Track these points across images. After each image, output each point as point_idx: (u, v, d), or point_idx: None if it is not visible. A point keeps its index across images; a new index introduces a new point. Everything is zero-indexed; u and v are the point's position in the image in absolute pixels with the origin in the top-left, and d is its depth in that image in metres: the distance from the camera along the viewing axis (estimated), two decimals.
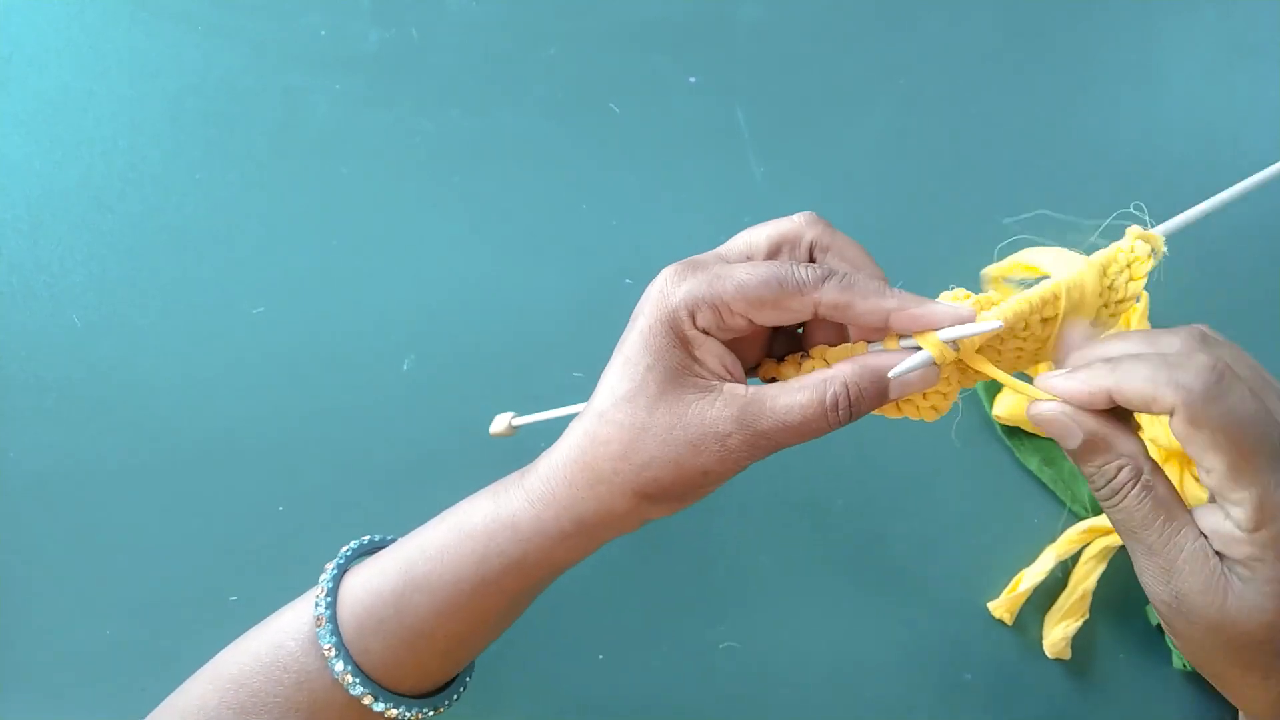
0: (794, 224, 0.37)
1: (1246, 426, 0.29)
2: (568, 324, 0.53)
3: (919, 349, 0.35)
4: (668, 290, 0.34)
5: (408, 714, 0.38)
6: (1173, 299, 0.54)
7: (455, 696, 0.41)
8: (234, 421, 0.51)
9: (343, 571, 0.39)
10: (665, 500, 0.35)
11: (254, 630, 0.39)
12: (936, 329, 0.34)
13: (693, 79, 0.56)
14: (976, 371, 0.36)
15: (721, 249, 0.37)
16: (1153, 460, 0.33)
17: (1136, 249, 0.36)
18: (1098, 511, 0.52)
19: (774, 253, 0.37)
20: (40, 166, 0.53)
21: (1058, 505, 0.53)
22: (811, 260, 0.37)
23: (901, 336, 0.35)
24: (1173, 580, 0.31)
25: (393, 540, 0.42)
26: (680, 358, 0.34)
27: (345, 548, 0.41)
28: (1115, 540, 0.50)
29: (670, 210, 0.55)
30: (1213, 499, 0.32)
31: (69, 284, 0.52)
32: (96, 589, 0.50)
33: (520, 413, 0.45)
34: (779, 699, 0.51)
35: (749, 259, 0.36)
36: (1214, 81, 0.58)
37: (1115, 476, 0.32)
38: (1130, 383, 0.31)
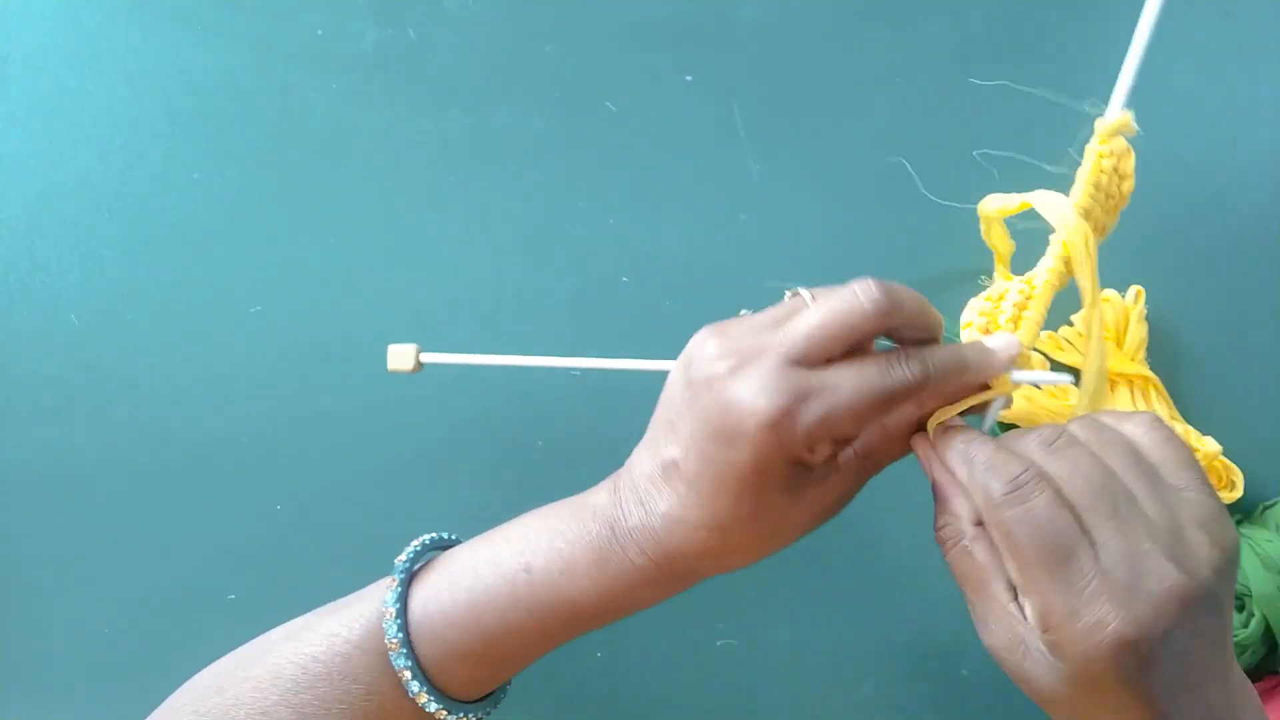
0: (864, 315, 0.34)
1: (1031, 538, 0.30)
2: (565, 322, 0.54)
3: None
4: (783, 427, 0.32)
5: (472, 717, 0.39)
6: (1174, 299, 0.54)
7: (504, 693, 0.42)
8: (231, 420, 0.51)
9: (406, 588, 0.38)
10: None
11: (307, 631, 0.39)
12: (1002, 372, 0.37)
13: (689, 77, 0.56)
14: None
15: (791, 347, 0.34)
16: (978, 528, 0.34)
17: (1115, 147, 0.37)
18: None
19: (854, 350, 0.35)
20: (37, 166, 0.53)
21: None
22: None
23: None
24: (983, 632, 0.34)
25: (450, 541, 0.42)
26: (798, 474, 0.35)
27: (400, 559, 0.39)
28: None
29: (667, 208, 0.55)
30: None
31: (66, 283, 0.52)
32: (94, 588, 0.50)
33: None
34: (776, 695, 0.52)
35: (828, 360, 0.34)
36: (1214, 79, 0.58)
37: (941, 529, 0.36)
38: (954, 464, 0.34)
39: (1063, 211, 0.37)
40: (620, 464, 0.38)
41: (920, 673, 0.52)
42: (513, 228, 0.54)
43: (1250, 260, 0.56)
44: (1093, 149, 0.37)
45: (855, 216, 0.55)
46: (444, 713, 0.37)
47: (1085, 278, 0.37)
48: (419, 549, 0.41)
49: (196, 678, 0.40)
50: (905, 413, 0.37)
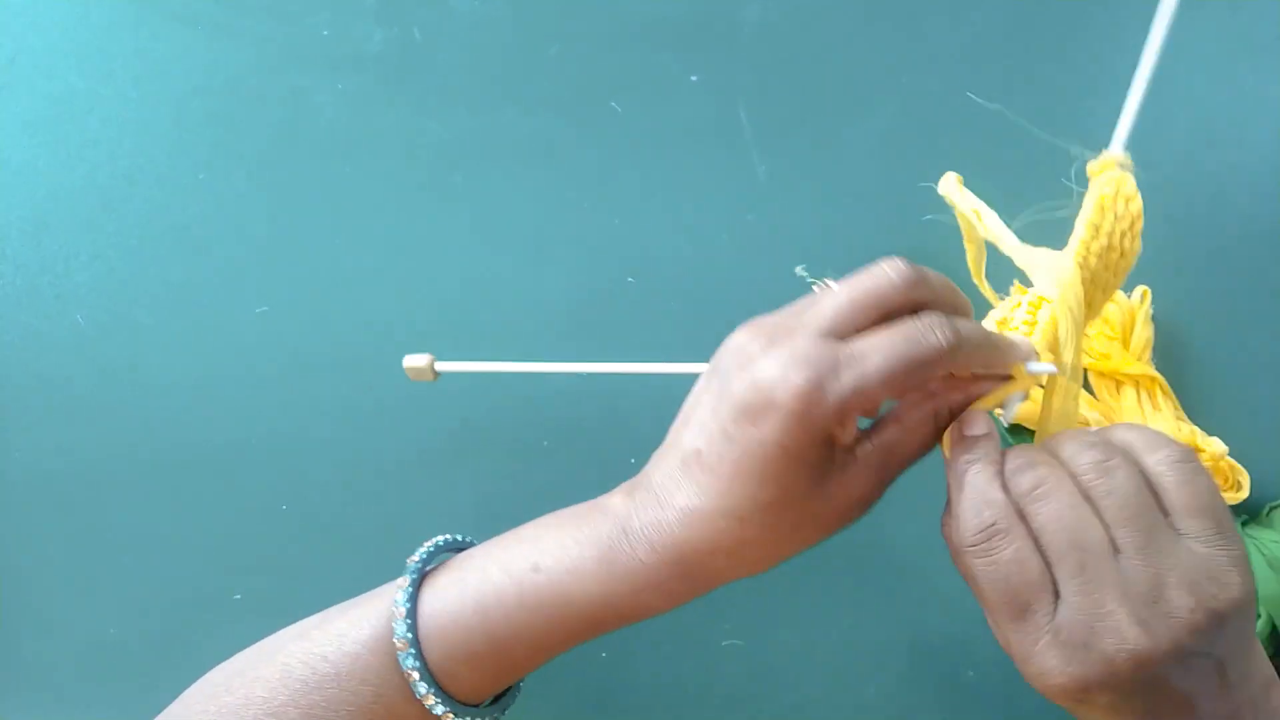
0: (892, 286, 0.34)
1: (992, 587, 0.31)
2: (571, 322, 0.54)
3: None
4: (814, 397, 0.32)
5: None
6: (1180, 298, 0.54)
7: (514, 698, 0.41)
8: (237, 420, 0.52)
9: (417, 588, 0.38)
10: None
11: (318, 630, 0.38)
12: (1025, 357, 0.36)
13: (695, 77, 0.56)
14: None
15: (820, 320, 0.34)
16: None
17: (1122, 188, 0.36)
18: None
19: (882, 321, 0.35)
20: (45, 167, 0.53)
21: None
22: None
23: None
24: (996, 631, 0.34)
25: (463, 543, 0.42)
26: (826, 455, 0.34)
27: (413, 559, 0.39)
28: None
29: (673, 209, 0.55)
30: None
31: (73, 284, 0.52)
32: (100, 588, 0.50)
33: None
34: (781, 696, 0.51)
35: (858, 331, 0.34)
36: (1218, 79, 0.58)
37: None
38: (951, 481, 0.34)
39: (1062, 278, 0.36)
40: (626, 463, 0.38)
41: (925, 674, 0.52)
42: (518, 228, 0.54)
43: (1257, 260, 0.56)
44: (1099, 193, 0.36)
45: (861, 216, 0.55)
46: (451, 716, 0.37)
47: (1069, 350, 0.37)
48: (432, 549, 0.40)
49: (208, 675, 0.40)
50: (926, 404, 0.36)
